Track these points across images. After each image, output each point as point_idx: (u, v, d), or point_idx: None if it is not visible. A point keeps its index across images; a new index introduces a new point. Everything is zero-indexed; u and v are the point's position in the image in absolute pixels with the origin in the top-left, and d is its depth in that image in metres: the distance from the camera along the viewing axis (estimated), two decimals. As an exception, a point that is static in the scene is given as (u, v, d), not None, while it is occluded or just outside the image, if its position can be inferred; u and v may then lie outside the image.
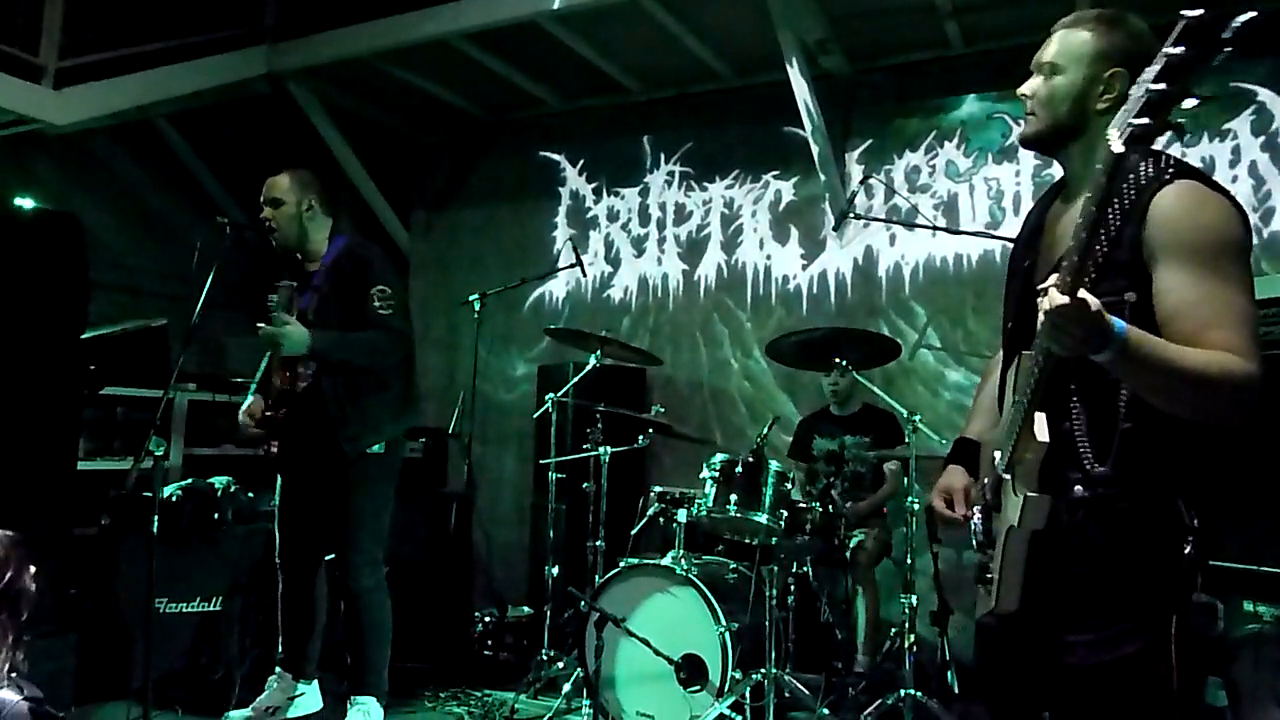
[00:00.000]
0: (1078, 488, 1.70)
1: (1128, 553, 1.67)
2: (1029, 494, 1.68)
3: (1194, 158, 4.62)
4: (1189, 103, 1.33)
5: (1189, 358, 1.54)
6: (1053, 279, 1.50)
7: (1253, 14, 1.21)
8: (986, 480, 1.89)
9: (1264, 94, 4.52)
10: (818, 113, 5.07)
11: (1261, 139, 4.52)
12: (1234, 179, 4.53)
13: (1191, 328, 1.57)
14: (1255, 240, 4.34)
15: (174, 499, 4.43)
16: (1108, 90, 1.74)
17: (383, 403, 3.51)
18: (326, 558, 3.74)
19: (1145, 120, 1.34)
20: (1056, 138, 1.81)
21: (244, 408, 3.66)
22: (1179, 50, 1.28)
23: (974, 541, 1.92)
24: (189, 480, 4.57)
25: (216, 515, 4.48)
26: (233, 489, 4.62)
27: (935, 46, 5.20)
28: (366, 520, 3.53)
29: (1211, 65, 1.27)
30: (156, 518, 3.22)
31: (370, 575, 3.55)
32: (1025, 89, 1.84)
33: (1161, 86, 1.32)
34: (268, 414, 3.50)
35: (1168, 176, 1.66)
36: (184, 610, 4.23)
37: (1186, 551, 1.64)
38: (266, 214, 3.57)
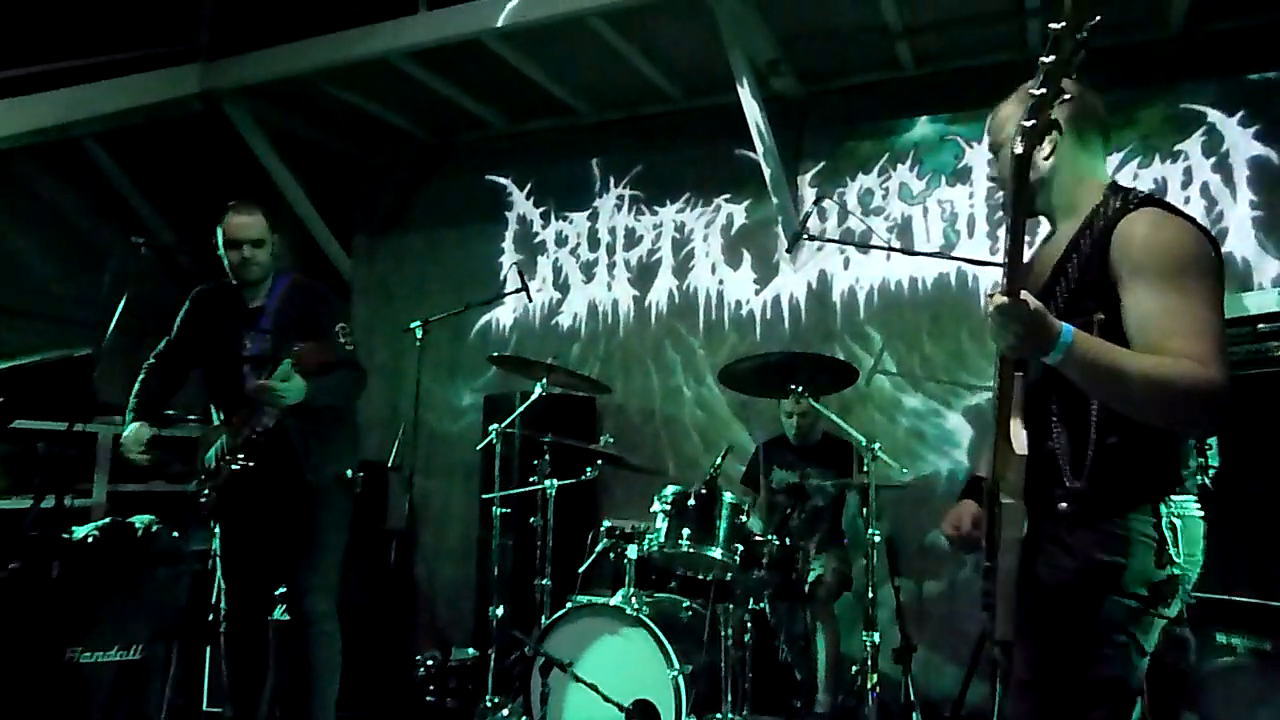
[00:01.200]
0: (1061, 504, 1.78)
1: (1099, 569, 1.73)
2: (1005, 501, 1.76)
3: (1146, 179, 4.60)
4: (1064, 99, 1.54)
5: (1140, 360, 1.63)
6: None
7: (1098, 17, 1.42)
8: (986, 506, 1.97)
9: (1214, 115, 4.51)
10: (769, 135, 4.98)
11: (1213, 159, 4.50)
12: (1186, 200, 4.50)
13: (1154, 339, 1.65)
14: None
15: (90, 540, 4.16)
16: (1051, 145, 1.86)
17: (342, 434, 3.50)
18: (277, 592, 3.55)
19: (1032, 121, 1.53)
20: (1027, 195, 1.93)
21: (129, 435, 3.49)
22: (1051, 58, 1.46)
23: (982, 569, 1.98)
24: (106, 519, 4.30)
25: (137, 557, 4.22)
26: (155, 528, 4.35)
27: (887, 68, 5.14)
28: (328, 545, 3.45)
29: (1074, 65, 1.46)
30: (58, 563, 2.95)
31: (326, 601, 3.43)
32: (991, 174, 2.07)
33: (1042, 91, 1.50)
34: (235, 466, 3.32)
35: (1132, 205, 1.77)
36: (100, 660, 3.94)
37: (1157, 568, 1.72)
38: (247, 254, 3.42)
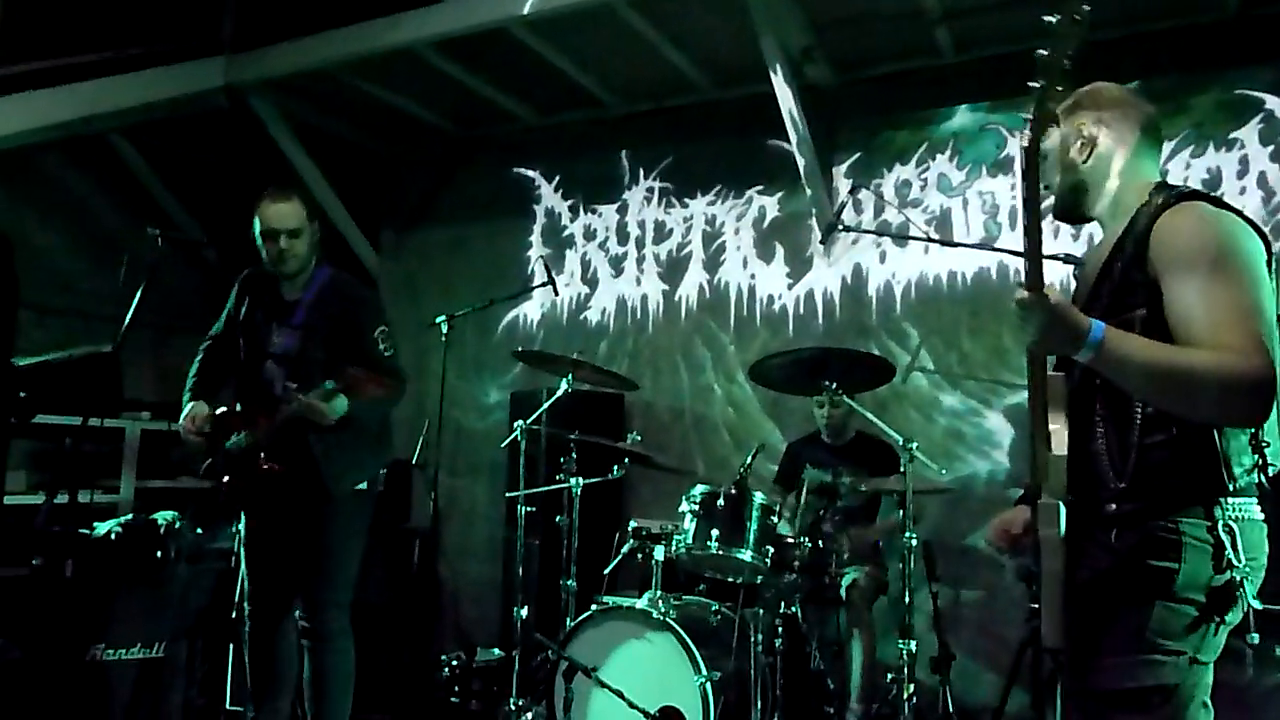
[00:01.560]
0: (1109, 505, 1.75)
1: (1148, 574, 1.69)
2: (1040, 501, 1.71)
3: (1199, 169, 4.40)
4: (1062, 88, 1.56)
5: (1176, 355, 1.61)
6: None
7: (1087, 8, 1.45)
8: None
9: (1272, 101, 4.30)
10: (803, 125, 4.83)
11: (1271, 149, 4.29)
12: (1242, 191, 4.29)
13: (1195, 331, 1.63)
14: (1273, 252, 4.13)
15: (113, 536, 4.12)
16: (1080, 138, 1.92)
17: (365, 440, 3.33)
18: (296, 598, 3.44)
19: (1042, 83, 1.56)
20: (1070, 204, 1.98)
21: (185, 417, 3.36)
22: (1046, 52, 1.49)
23: (1021, 574, 2.02)
24: (129, 516, 4.26)
25: (160, 554, 4.17)
26: (179, 525, 4.30)
27: (925, 55, 4.97)
28: (344, 560, 3.33)
29: (1071, 55, 1.48)
30: (71, 561, 2.90)
31: (339, 618, 3.33)
32: (1044, 183, 1.99)
33: (1040, 83, 1.53)
34: (265, 467, 3.23)
35: (1173, 200, 1.76)
36: (124, 657, 3.90)
37: (1215, 574, 1.68)
38: (284, 244, 3.29)
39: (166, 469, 5.77)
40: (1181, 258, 1.68)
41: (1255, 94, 4.33)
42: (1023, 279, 1.66)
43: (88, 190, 6.19)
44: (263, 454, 3.22)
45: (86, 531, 4.13)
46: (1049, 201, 1.99)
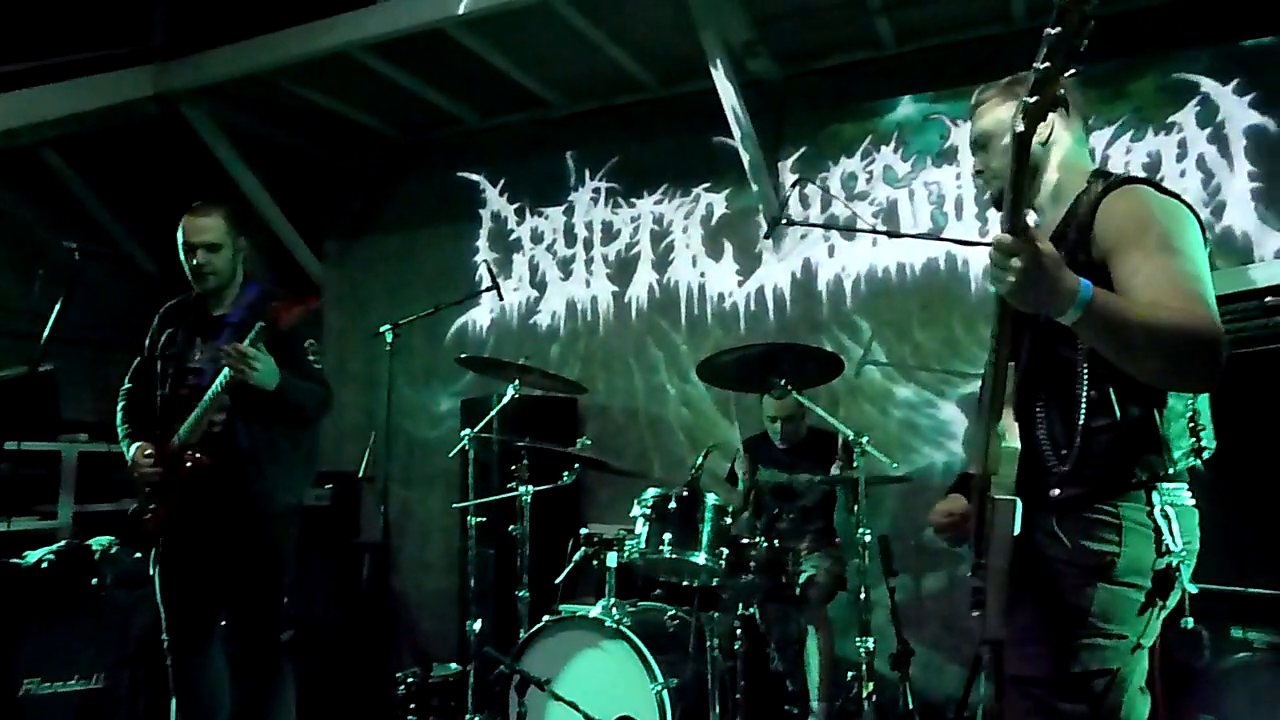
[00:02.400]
0: (1053, 491, 1.75)
1: (1090, 557, 1.70)
2: (999, 498, 1.69)
3: (1139, 153, 4.42)
4: (1070, 73, 1.43)
5: (1156, 311, 1.57)
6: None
7: None
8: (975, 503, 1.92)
9: (1208, 84, 4.32)
10: (747, 120, 4.79)
11: (1208, 130, 4.31)
12: (1182, 173, 4.31)
13: (1149, 298, 1.61)
14: (1208, 235, 4.15)
15: (44, 565, 3.97)
16: (1064, 110, 1.87)
17: (297, 458, 3.24)
18: (221, 623, 3.29)
19: (1036, 97, 1.44)
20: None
21: (132, 454, 3.21)
22: (1057, 30, 1.37)
23: (969, 568, 1.94)
24: (62, 543, 4.11)
25: (96, 580, 4.04)
26: (114, 550, 4.17)
27: (867, 46, 4.95)
28: (273, 580, 3.19)
29: (1083, 38, 1.36)
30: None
31: (270, 638, 3.20)
32: (978, 166, 1.99)
33: (1046, 65, 1.40)
34: (187, 462, 3.06)
35: (1115, 185, 1.77)
36: (60, 690, 3.76)
37: (1156, 557, 1.69)
38: (201, 259, 3.19)
39: (107, 491, 5.58)
40: (1130, 234, 1.68)
41: (1192, 78, 4.36)
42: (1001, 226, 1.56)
43: (15, 204, 5.99)
44: (188, 450, 3.07)
45: (18, 561, 3.98)
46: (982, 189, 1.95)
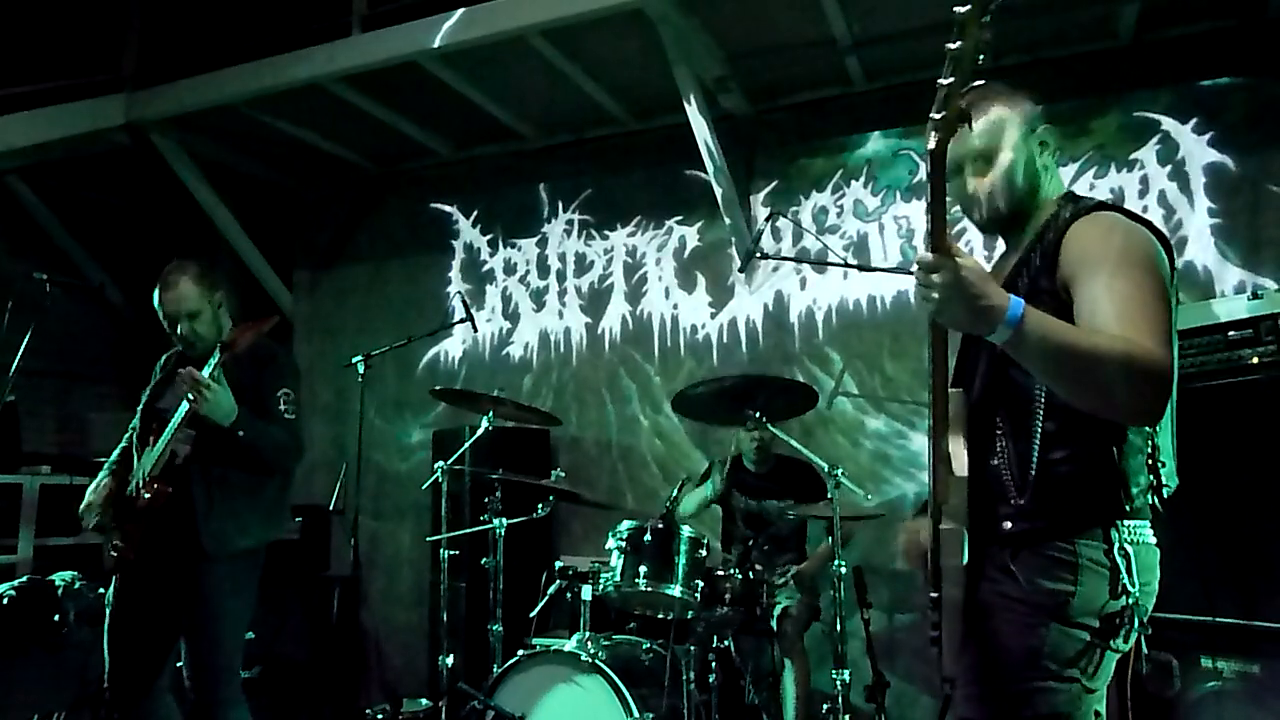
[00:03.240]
0: (1005, 524, 1.69)
1: (1044, 596, 1.64)
2: (944, 527, 1.68)
3: (1102, 189, 4.51)
4: (975, 85, 1.42)
5: (1094, 337, 1.53)
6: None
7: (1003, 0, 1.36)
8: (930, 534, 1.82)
9: (1168, 122, 4.44)
10: (719, 154, 4.84)
11: (1169, 167, 4.43)
12: (1144, 209, 4.41)
13: (1101, 323, 1.58)
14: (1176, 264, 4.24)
15: (4, 600, 3.88)
16: (1044, 148, 1.86)
17: (253, 506, 3.12)
18: (176, 666, 3.19)
19: (942, 113, 1.44)
20: (1018, 211, 1.85)
21: (94, 488, 3.16)
22: (957, 45, 1.37)
23: (929, 600, 1.85)
24: (24, 578, 4.02)
25: (58, 616, 3.95)
26: (77, 585, 4.09)
27: (837, 83, 5.03)
28: (228, 623, 3.06)
29: (981, 52, 1.37)
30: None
31: (230, 686, 3.06)
32: (974, 188, 1.87)
33: (951, 80, 1.41)
34: (146, 493, 2.99)
35: (1084, 210, 1.75)
36: (18, 730, 3.66)
37: (1110, 599, 1.63)
38: (184, 330, 3.15)
39: (69, 525, 5.46)
40: (1091, 258, 1.65)
41: (1153, 116, 4.47)
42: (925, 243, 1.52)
43: (-20, 234, 5.92)
44: (148, 480, 3.00)
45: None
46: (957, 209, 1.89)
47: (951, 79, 1.40)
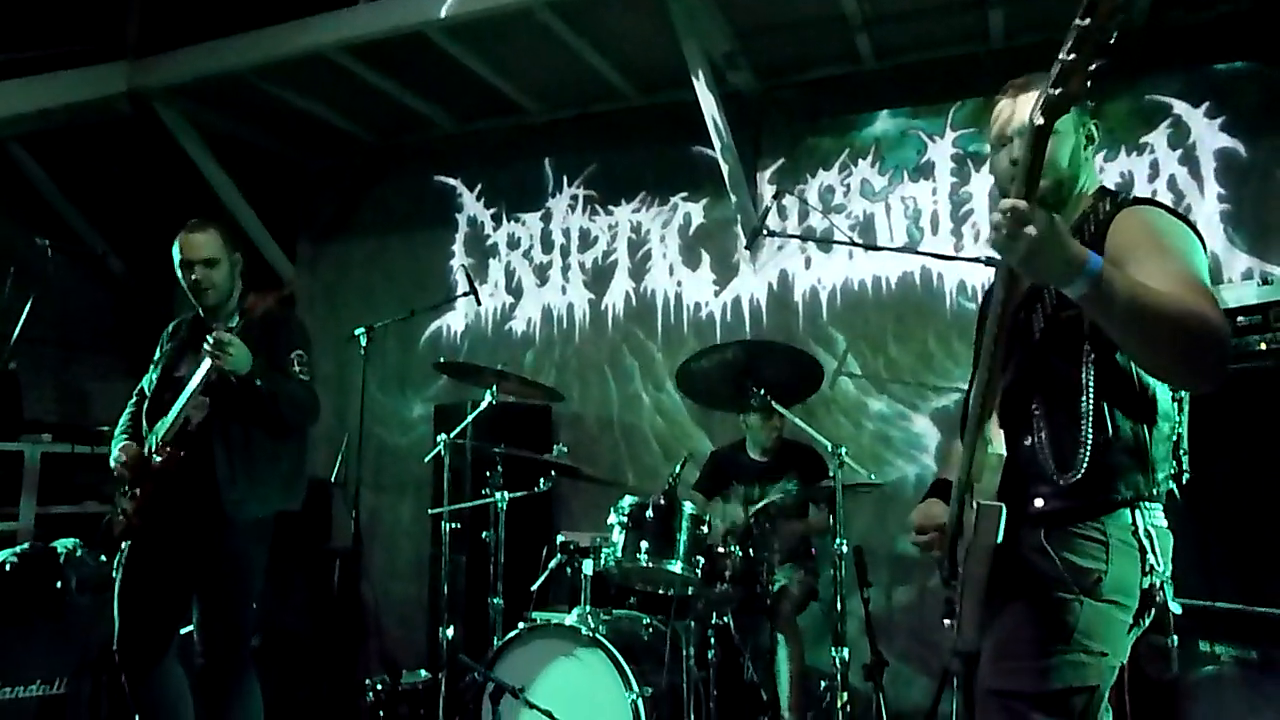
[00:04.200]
0: (1038, 501, 1.72)
1: (1076, 573, 1.69)
2: (982, 503, 1.68)
3: (1112, 173, 4.49)
4: (1096, 65, 1.37)
5: (1168, 294, 1.53)
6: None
7: None
8: (952, 510, 1.89)
9: (1179, 106, 4.41)
10: (727, 131, 4.81)
11: (1179, 152, 4.40)
12: (1154, 194, 4.39)
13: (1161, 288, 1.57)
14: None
15: (7, 567, 3.88)
16: (1091, 142, 1.88)
17: (273, 472, 3.17)
18: (182, 631, 3.21)
19: (1060, 89, 1.39)
20: (1057, 194, 1.83)
21: (116, 451, 3.19)
22: (1086, 21, 1.33)
23: (941, 575, 1.94)
24: (26, 545, 4.02)
25: (60, 584, 3.95)
26: (80, 553, 4.08)
27: (846, 61, 4.99)
28: (241, 590, 3.12)
29: (1112, 31, 1.32)
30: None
31: (239, 651, 3.11)
32: (1009, 160, 1.84)
33: (1073, 56, 1.36)
34: (158, 456, 3.02)
35: (1129, 203, 1.78)
36: (20, 695, 3.68)
37: (1142, 576, 1.70)
38: (199, 275, 3.18)
39: (70, 493, 5.48)
40: (1142, 245, 1.68)
41: (1164, 99, 4.44)
42: (1009, 199, 1.50)
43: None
44: (160, 444, 3.04)
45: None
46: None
47: (1074, 55, 1.35)
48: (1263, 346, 2.90)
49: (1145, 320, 1.52)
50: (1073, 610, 1.68)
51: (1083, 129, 1.86)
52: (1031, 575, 1.73)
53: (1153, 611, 1.73)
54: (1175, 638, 1.83)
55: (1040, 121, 1.45)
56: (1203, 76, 4.38)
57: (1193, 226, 1.76)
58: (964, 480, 1.81)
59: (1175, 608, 1.75)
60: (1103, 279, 1.49)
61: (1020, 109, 1.83)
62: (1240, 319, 2.95)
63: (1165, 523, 1.77)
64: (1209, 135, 4.35)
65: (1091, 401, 1.71)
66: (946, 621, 1.90)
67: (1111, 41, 1.33)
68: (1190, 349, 1.53)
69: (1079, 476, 1.70)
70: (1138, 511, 1.72)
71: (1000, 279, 1.73)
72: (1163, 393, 1.75)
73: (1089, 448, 1.70)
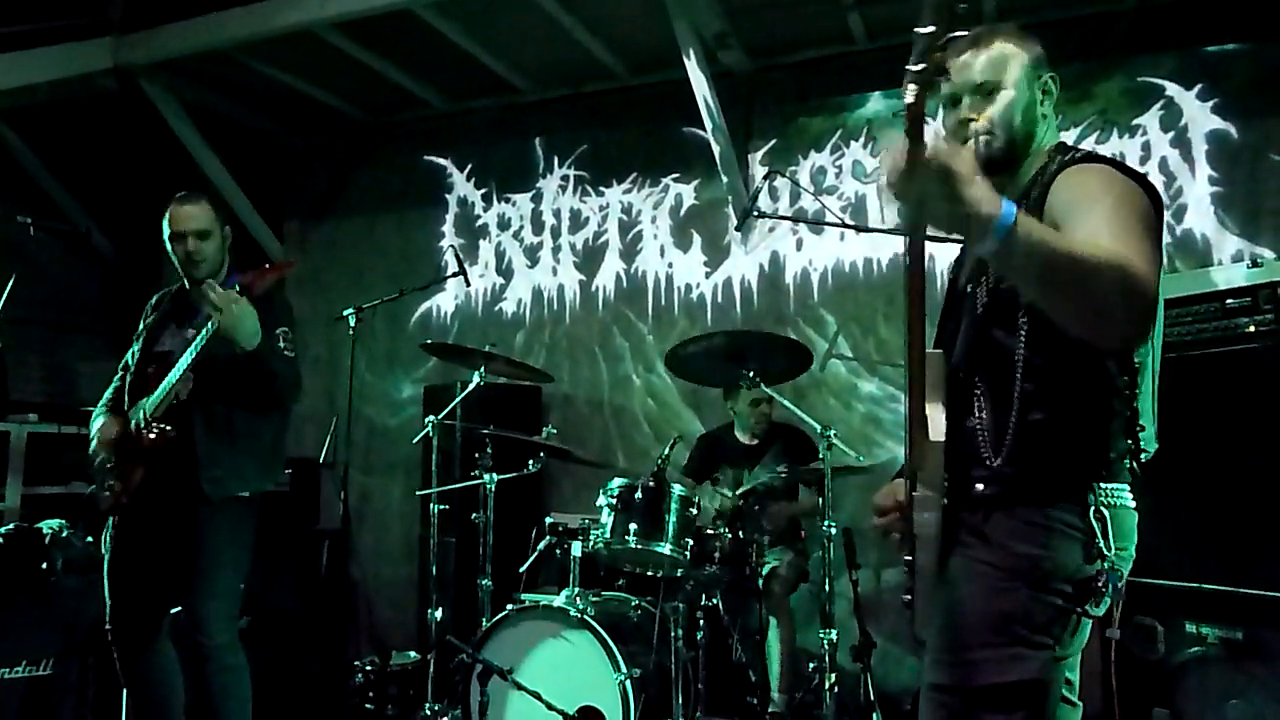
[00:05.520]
0: (978, 485, 1.65)
1: (1016, 560, 1.60)
2: (915, 494, 1.63)
3: (1104, 154, 4.46)
4: (955, 36, 1.34)
5: (1088, 246, 1.41)
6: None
7: None
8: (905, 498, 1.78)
9: (1172, 88, 4.40)
10: (718, 111, 4.77)
11: (1171, 134, 4.39)
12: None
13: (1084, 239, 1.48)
14: (1168, 238, 4.22)
15: (-7, 547, 3.86)
16: (1047, 96, 1.79)
17: (252, 451, 3.15)
18: (172, 611, 3.21)
19: (921, 65, 1.34)
20: (1011, 154, 1.77)
21: (96, 426, 3.17)
22: None
23: (902, 556, 1.83)
24: (11, 525, 4.00)
25: (45, 565, 3.93)
26: (65, 533, 4.06)
27: (838, 41, 4.96)
28: (226, 569, 3.10)
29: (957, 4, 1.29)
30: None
31: (227, 631, 3.10)
32: (972, 113, 1.77)
33: (929, 30, 1.31)
34: (151, 433, 2.99)
35: (1071, 161, 1.68)
36: (7, 676, 3.66)
37: (1085, 563, 1.59)
38: (191, 247, 3.15)
39: (57, 474, 5.45)
40: (1082, 201, 1.57)
41: (1156, 81, 4.42)
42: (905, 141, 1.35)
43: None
44: (150, 420, 3.01)
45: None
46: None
47: (931, 28, 1.30)
48: (1251, 329, 2.90)
49: (1061, 275, 1.39)
50: (1011, 599, 1.59)
51: (1036, 83, 1.77)
52: (971, 563, 1.65)
53: (1104, 599, 1.61)
54: (1117, 631, 1.70)
55: (910, 100, 1.34)
56: (1195, 58, 4.36)
57: (1145, 184, 1.63)
58: (908, 468, 1.70)
59: (1121, 585, 1.62)
60: (1017, 226, 1.35)
61: (977, 64, 1.75)
62: (1229, 301, 2.95)
63: (1131, 501, 1.66)
64: (1201, 117, 4.34)
65: (1021, 379, 1.63)
66: (906, 596, 1.80)
67: (961, 9, 1.31)
68: (1109, 306, 1.40)
69: (1016, 459, 1.62)
70: (1089, 493, 1.61)
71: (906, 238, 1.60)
72: (1112, 366, 1.65)
73: (1023, 428, 1.62)
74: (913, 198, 1.37)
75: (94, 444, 3.16)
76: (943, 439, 1.61)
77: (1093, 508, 1.60)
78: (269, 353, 3.02)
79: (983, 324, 1.71)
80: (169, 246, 3.21)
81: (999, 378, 1.66)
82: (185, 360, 2.95)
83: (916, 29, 1.32)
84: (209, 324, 2.87)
